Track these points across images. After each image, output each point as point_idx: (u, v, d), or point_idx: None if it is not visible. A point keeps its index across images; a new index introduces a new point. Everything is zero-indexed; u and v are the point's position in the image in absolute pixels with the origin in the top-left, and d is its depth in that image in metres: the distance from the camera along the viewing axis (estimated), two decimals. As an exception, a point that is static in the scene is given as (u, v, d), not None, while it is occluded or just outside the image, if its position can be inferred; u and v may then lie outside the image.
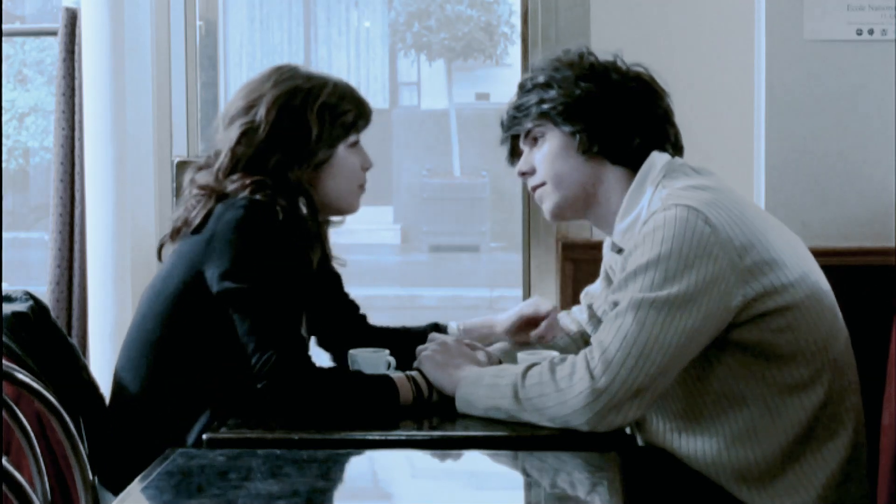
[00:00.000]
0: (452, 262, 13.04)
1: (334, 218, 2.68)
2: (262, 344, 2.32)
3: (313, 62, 15.60)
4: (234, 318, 2.38)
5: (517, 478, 2.08)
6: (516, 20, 10.07)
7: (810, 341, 2.25)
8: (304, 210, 2.52)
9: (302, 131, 2.53)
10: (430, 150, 15.07)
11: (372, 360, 2.48)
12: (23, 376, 2.25)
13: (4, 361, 2.26)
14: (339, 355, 2.75)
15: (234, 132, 2.53)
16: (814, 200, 2.85)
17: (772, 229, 2.29)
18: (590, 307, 2.70)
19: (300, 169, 2.52)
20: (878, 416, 2.28)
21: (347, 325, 2.80)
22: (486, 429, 2.22)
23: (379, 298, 11.07)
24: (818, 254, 2.41)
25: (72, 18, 3.57)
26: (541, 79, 2.42)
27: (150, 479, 1.91)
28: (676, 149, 2.44)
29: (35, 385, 2.25)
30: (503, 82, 14.86)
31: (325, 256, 2.66)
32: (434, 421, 2.30)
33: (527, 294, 3.42)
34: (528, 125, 2.43)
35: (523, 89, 2.45)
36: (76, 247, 3.58)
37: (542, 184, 2.43)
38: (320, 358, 2.47)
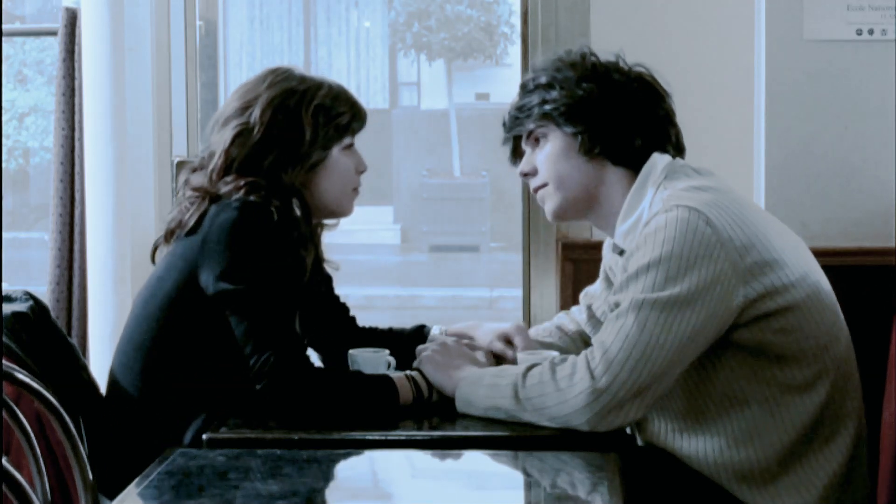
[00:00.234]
0: (452, 262, 13.04)
1: (328, 221, 2.68)
2: (260, 345, 2.32)
3: (313, 62, 15.60)
4: (231, 319, 2.38)
5: (517, 478, 2.08)
6: (516, 20, 10.08)
7: (812, 341, 2.25)
8: (298, 212, 2.52)
9: (296, 133, 2.53)
10: (430, 151, 15.08)
11: (372, 360, 2.48)
12: (23, 376, 2.25)
13: (4, 361, 2.26)
14: (329, 355, 2.76)
15: (229, 133, 2.53)
16: (814, 200, 2.85)
17: (773, 230, 2.29)
18: (589, 308, 2.70)
19: (294, 171, 2.52)
20: (879, 416, 2.28)
21: (337, 327, 2.80)
22: (486, 429, 2.22)
23: (379, 298, 11.08)
24: (818, 254, 2.41)
25: (72, 18, 3.57)
26: (543, 79, 2.41)
27: (149, 480, 1.91)
28: (678, 149, 2.44)
29: (35, 385, 2.25)
30: (503, 82, 14.87)
31: (318, 259, 2.66)
32: (434, 421, 2.30)
33: (527, 294, 3.41)
34: (530, 126, 2.43)
35: (525, 90, 2.45)
36: (76, 247, 3.58)
37: (545, 185, 2.43)
38: (311, 358, 2.47)
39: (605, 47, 2.46)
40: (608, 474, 1.94)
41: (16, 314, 2.51)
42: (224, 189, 2.48)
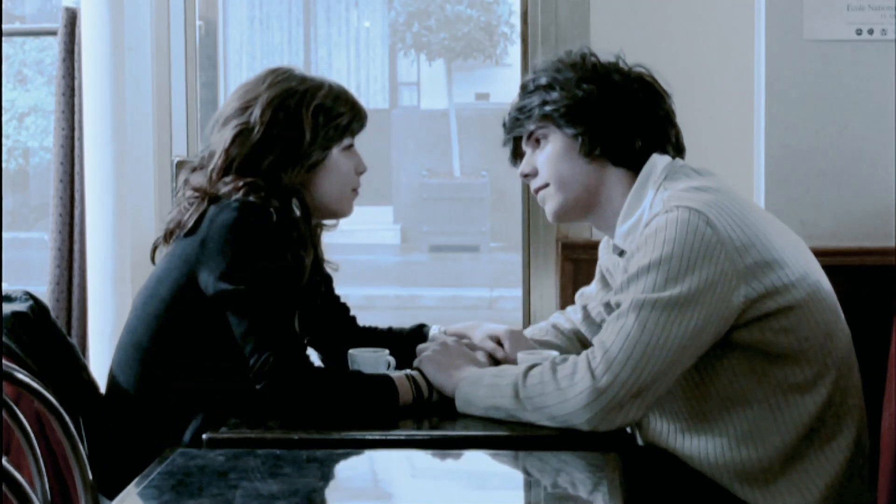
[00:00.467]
0: (452, 262, 13.04)
1: (328, 221, 2.68)
2: (260, 345, 2.32)
3: (313, 62, 15.61)
4: (231, 319, 2.38)
5: (517, 478, 2.08)
6: (516, 20, 10.08)
7: (812, 341, 2.25)
8: (298, 212, 2.52)
9: (296, 133, 2.53)
10: (430, 150, 15.08)
11: (372, 360, 2.48)
12: (22, 376, 2.25)
13: (4, 361, 2.26)
14: (329, 355, 2.76)
15: (229, 133, 2.53)
16: (814, 200, 2.85)
17: (773, 230, 2.29)
18: (584, 308, 2.70)
19: (294, 171, 2.52)
20: (879, 416, 2.28)
21: (338, 326, 2.80)
22: (486, 429, 2.22)
23: (379, 298, 11.08)
24: (818, 254, 2.41)
25: (71, 18, 3.57)
26: (543, 80, 2.41)
27: (149, 479, 1.91)
28: (678, 150, 2.44)
29: (35, 385, 2.25)
30: (503, 82, 14.87)
31: (318, 259, 2.66)
32: (434, 421, 2.30)
33: (527, 294, 3.41)
34: (531, 127, 2.43)
35: (525, 91, 2.45)
36: (76, 247, 3.58)
37: (545, 185, 2.43)
38: (311, 358, 2.47)
39: (605, 47, 2.46)
40: (608, 474, 1.94)
41: (16, 314, 2.51)
42: (223, 189, 2.48)
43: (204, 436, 2.18)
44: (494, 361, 2.54)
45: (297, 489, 1.86)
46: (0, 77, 2.71)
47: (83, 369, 2.63)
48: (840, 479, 2.27)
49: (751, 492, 2.26)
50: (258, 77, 2.59)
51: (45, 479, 2.18)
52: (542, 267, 3.38)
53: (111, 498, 2.22)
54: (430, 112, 15.64)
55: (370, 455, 2.15)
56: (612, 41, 2.61)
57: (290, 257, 2.45)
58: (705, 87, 3.20)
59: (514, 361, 2.48)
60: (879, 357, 2.38)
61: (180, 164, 3.56)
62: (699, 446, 2.29)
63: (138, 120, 3.54)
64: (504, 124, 2.50)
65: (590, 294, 2.71)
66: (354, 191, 2.63)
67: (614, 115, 2.38)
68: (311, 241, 2.57)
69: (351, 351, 2.52)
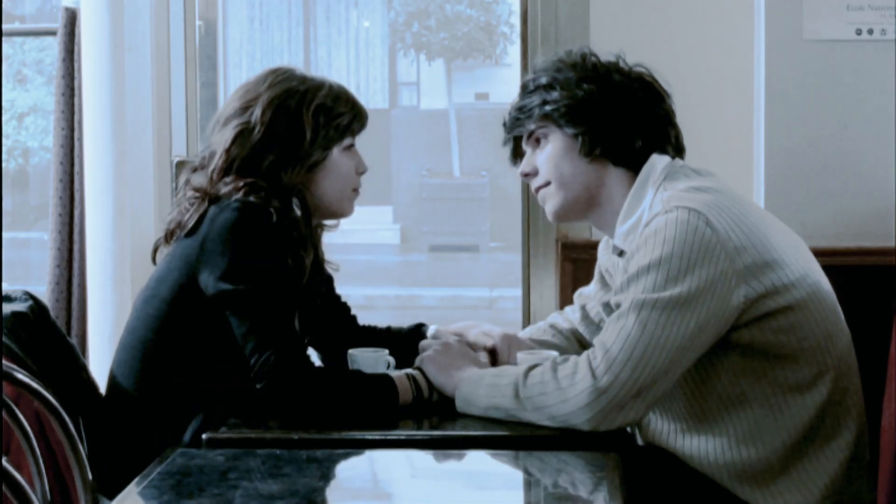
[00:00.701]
0: (452, 262, 13.04)
1: (328, 222, 2.68)
2: (260, 344, 2.32)
3: (313, 62, 15.61)
4: (231, 319, 2.38)
5: (517, 478, 2.08)
6: (516, 20, 10.08)
7: (812, 341, 2.25)
8: (298, 212, 2.52)
9: (296, 133, 2.53)
10: (430, 150, 15.08)
11: (371, 360, 2.48)
12: (22, 376, 2.25)
13: (4, 361, 2.26)
14: (329, 355, 2.76)
15: (229, 133, 2.53)
16: (814, 200, 2.85)
17: (773, 230, 2.29)
18: (583, 308, 2.70)
19: (294, 171, 2.52)
20: (879, 416, 2.28)
21: (338, 326, 2.80)
22: (486, 429, 2.22)
23: (379, 298, 11.08)
24: (818, 254, 2.41)
25: (71, 18, 3.57)
26: (543, 80, 2.41)
27: (149, 479, 1.91)
28: (678, 150, 2.44)
29: (34, 385, 2.25)
30: (503, 82, 14.88)
31: (318, 259, 2.66)
32: (434, 421, 2.30)
33: (526, 294, 3.41)
34: (531, 127, 2.43)
35: (526, 90, 2.45)
36: (76, 247, 3.58)
37: (546, 185, 2.43)
38: (311, 358, 2.47)
39: (605, 47, 2.46)
40: (608, 474, 1.94)
41: (15, 314, 2.51)
42: (224, 189, 2.48)
43: (204, 436, 2.18)
44: (494, 363, 2.54)
45: (297, 489, 1.86)
46: (0, 77, 2.71)
47: (83, 369, 2.63)
48: (840, 479, 2.27)
49: (751, 491, 2.26)
50: (259, 77, 2.59)
51: (45, 480, 2.18)
52: (541, 267, 3.38)
53: (111, 498, 2.22)
54: (429, 112, 15.64)
55: (370, 455, 2.15)
56: (612, 41, 2.61)
57: (290, 257, 2.45)
58: (705, 87, 3.20)
59: (507, 363, 2.48)
60: (879, 357, 2.37)
61: (180, 164, 3.56)
62: (699, 446, 2.29)
63: (138, 120, 3.54)
64: (504, 124, 2.50)
65: (588, 294, 2.71)
66: (355, 191, 2.62)
67: (614, 114, 2.38)
68: (312, 241, 2.57)
69: (351, 351, 2.52)
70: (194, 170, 2.58)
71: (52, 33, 3.64)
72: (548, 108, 2.39)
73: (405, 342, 2.70)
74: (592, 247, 2.77)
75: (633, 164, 2.38)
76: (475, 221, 13.87)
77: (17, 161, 13.32)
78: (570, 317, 2.73)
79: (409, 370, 2.39)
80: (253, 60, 15.55)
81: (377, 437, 2.20)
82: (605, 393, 2.15)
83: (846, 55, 2.84)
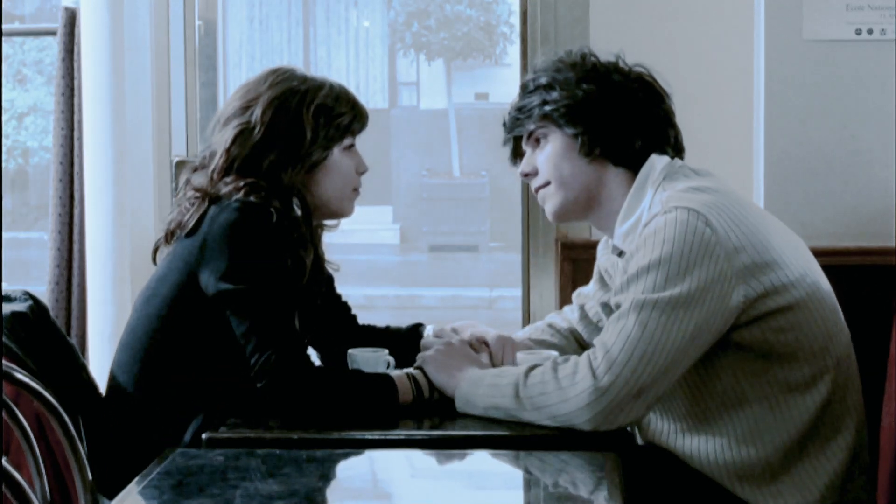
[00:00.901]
0: (452, 262, 13.05)
1: (328, 222, 2.68)
2: (261, 344, 2.32)
3: (312, 62, 15.61)
4: (232, 319, 2.38)
5: (517, 478, 2.08)
6: (515, 20, 10.07)
7: (812, 341, 2.25)
8: (298, 212, 2.52)
9: (297, 133, 2.53)
10: (430, 150, 15.09)
11: (371, 360, 2.48)
12: (22, 376, 2.25)
13: (4, 361, 2.26)
14: (329, 354, 2.76)
15: (230, 133, 2.53)
16: (813, 200, 2.85)
17: (772, 230, 2.29)
18: (581, 308, 2.70)
19: (294, 171, 2.52)
20: (879, 416, 2.28)
21: (338, 326, 2.80)
22: (486, 428, 2.22)
23: (379, 298, 11.08)
24: (818, 254, 2.41)
25: (71, 18, 3.57)
26: (543, 80, 2.41)
27: (149, 479, 1.91)
28: (677, 150, 2.44)
29: (34, 385, 2.25)
30: (502, 82, 14.88)
31: (318, 259, 2.66)
32: (434, 421, 2.30)
33: (526, 294, 3.42)
34: (531, 127, 2.43)
35: (525, 90, 2.45)
36: (75, 247, 3.58)
37: (545, 185, 2.43)
38: (311, 357, 2.47)
39: (604, 47, 2.46)
40: (608, 474, 1.94)
41: (15, 314, 2.51)
42: (224, 189, 2.48)
43: (204, 436, 2.18)
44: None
45: (297, 489, 1.86)
46: (0, 77, 2.71)
47: (83, 369, 2.63)
48: (840, 479, 2.27)
49: (751, 491, 2.26)
50: (259, 77, 2.59)
51: (45, 479, 2.18)
52: (541, 267, 3.38)
53: (111, 498, 2.22)
54: (429, 112, 15.64)
55: (370, 455, 2.15)
56: (611, 41, 2.61)
57: (290, 257, 2.45)
58: (705, 87, 3.20)
59: (501, 364, 2.48)
60: (879, 357, 2.37)
61: (180, 164, 3.56)
62: (699, 446, 2.29)
63: (138, 120, 3.54)
64: (504, 124, 2.50)
65: (587, 294, 2.71)
66: (355, 191, 2.63)
67: (614, 115, 2.38)
68: (312, 241, 2.57)
69: (350, 351, 2.52)
70: (194, 169, 2.58)
71: (52, 33, 3.64)
72: (547, 108, 2.39)
73: (403, 342, 2.71)
74: (592, 247, 2.77)
75: (633, 165, 2.38)
76: (475, 221, 13.87)
77: (17, 161, 13.33)
78: (568, 316, 2.73)
79: (409, 370, 2.39)
80: (253, 60, 15.55)
81: (377, 437, 2.20)
82: (605, 393, 2.15)
83: (846, 55, 2.84)
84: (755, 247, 2.21)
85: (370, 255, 12.65)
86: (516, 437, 2.18)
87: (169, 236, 2.54)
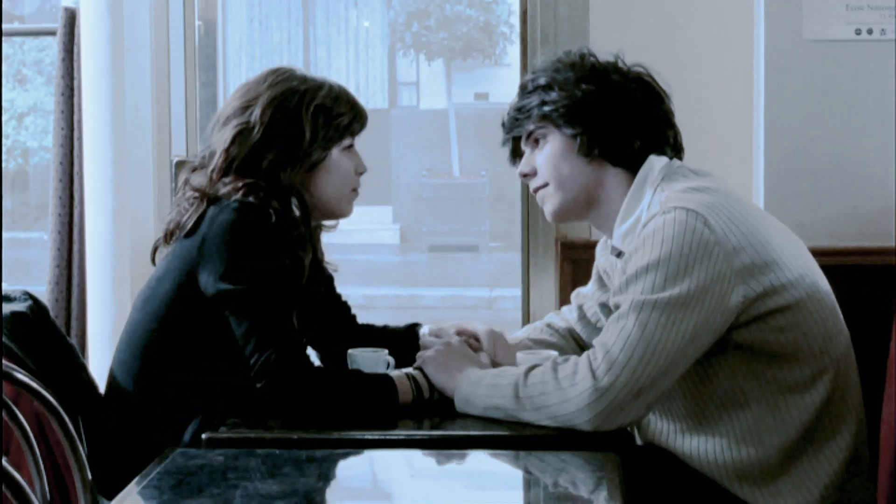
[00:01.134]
0: (451, 262, 13.05)
1: (327, 222, 2.68)
2: (261, 344, 2.32)
3: (312, 62, 15.61)
4: (231, 320, 2.38)
5: (517, 478, 2.08)
6: (515, 20, 10.07)
7: (811, 341, 2.25)
8: (297, 212, 2.52)
9: (296, 133, 2.53)
10: (430, 150, 15.09)
11: (371, 360, 2.48)
12: (22, 376, 2.25)
13: (4, 361, 2.26)
14: (328, 354, 2.76)
15: (229, 132, 2.53)
16: (813, 200, 2.85)
17: (771, 230, 2.29)
18: (580, 308, 2.70)
19: (293, 171, 2.52)
20: (879, 416, 2.28)
21: (338, 325, 2.80)
22: (486, 428, 2.22)
23: (379, 298, 11.09)
24: (818, 254, 2.41)
25: (71, 18, 3.57)
26: (542, 80, 2.41)
27: (148, 479, 1.91)
28: (676, 151, 2.44)
29: (34, 385, 2.25)
30: (502, 82, 14.89)
31: (317, 259, 2.66)
32: (434, 421, 2.30)
33: (526, 294, 3.42)
34: (530, 127, 2.43)
35: (524, 91, 2.45)
36: (75, 247, 3.57)
37: (545, 185, 2.43)
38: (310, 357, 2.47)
39: (604, 47, 2.46)
40: (608, 474, 1.94)
41: (15, 314, 2.51)
42: (223, 190, 2.48)
43: (203, 435, 2.18)
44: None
45: (297, 489, 1.86)
46: (0, 77, 2.71)
47: (82, 369, 2.63)
48: (839, 479, 2.27)
49: (750, 491, 2.26)
50: (259, 77, 2.59)
51: (45, 480, 2.18)
52: (541, 267, 3.38)
53: (110, 498, 2.21)
54: (429, 112, 15.65)
55: (370, 455, 2.15)
56: (611, 41, 2.60)
57: (289, 257, 2.45)
58: (705, 87, 3.20)
59: (494, 361, 2.48)
60: (879, 357, 2.37)
61: (180, 164, 3.56)
62: (699, 446, 2.29)
63: (138, 120, 3.54)
64: (503, 124, 2.50)
65: (586, 294, 2.71)
66: (354, 191, 2.62)
67: (613, 115, 2.38)
68: (311, 242, 2.57)
69: (350, 351, 2.52)
70: (194, 169, 2.58)
71: (52, 33, 3.64)
72: (546, 108, 2.39)
73: (400, 342, 2.71)
74: (592, 247, 2.77)
75: (632, 165, 2.38)
76: (475, 221, 13.87)
77: (17, 161, 13.33)
78: (566, 316, 2.73)
79: (409, 370, 2.39)
80: (253, 60, 15.56)
81: (377, 437, 2.20)
82: (605, 393, 2.15)
83: (846, 55, 2.84)
84: (754, 247, 2.21)
85: (370, 255, 12.66)
86: (516, 437, 2.18)
87: (168, 236, 2.55)
